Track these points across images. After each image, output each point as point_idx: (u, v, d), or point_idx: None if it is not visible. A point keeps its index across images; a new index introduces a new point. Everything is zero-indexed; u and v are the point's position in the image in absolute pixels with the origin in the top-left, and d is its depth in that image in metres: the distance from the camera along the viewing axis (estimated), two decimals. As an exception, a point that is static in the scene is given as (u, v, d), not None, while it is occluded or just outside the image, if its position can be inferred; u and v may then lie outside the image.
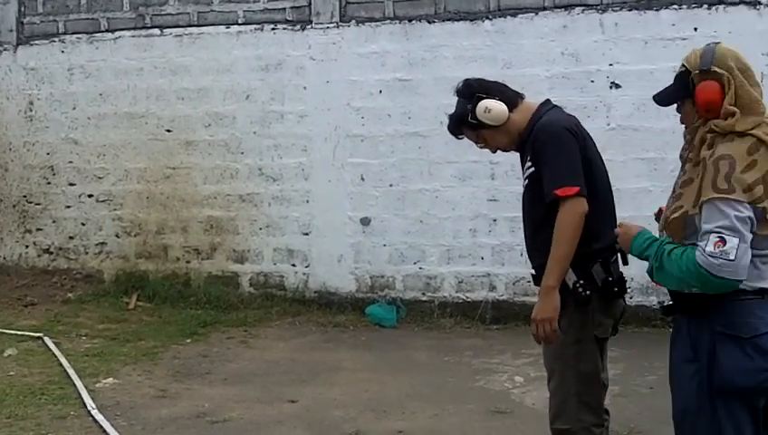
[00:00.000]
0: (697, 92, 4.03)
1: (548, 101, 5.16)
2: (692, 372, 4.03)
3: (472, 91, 5.08)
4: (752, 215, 3.81)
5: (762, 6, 10.58)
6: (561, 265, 4.70)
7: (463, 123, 5.13)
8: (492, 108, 4.97)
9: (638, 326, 10.48)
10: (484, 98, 5.00)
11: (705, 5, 10.76)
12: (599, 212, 4.85)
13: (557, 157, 4.75)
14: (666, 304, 4.27)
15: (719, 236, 3.77)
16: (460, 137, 5.27)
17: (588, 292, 4.76)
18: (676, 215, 4.04)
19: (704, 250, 3.79)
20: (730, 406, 3.95)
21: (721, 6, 10.72)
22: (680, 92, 4.19)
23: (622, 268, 5.02)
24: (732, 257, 3.75)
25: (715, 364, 3.94)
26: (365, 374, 9.12)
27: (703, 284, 3.85)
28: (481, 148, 5.26)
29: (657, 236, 4.16)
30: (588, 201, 4.73)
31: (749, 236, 3.81)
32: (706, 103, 4.00)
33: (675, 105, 4.31)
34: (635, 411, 7.80)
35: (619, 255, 4.96)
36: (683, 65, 4.18)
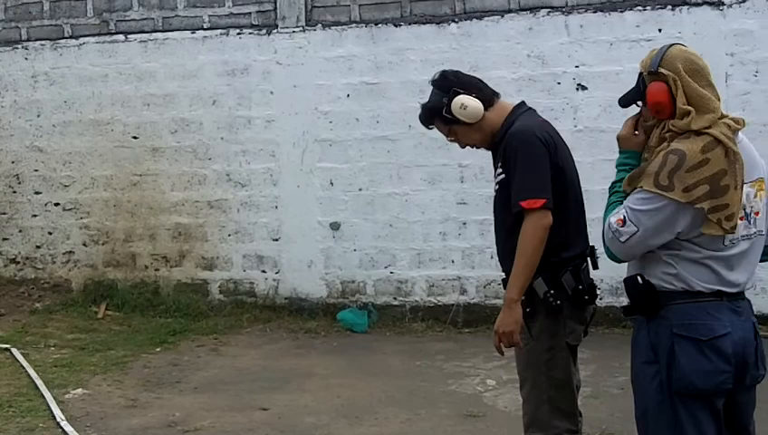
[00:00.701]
0: (647, 94, 4.13)
1: (522, 103, 5.14)
2: (652, 373, 4.09)
3: (449, 84, 5.04)
4: (673, 210, 3.93)
5: (725, 7, 10.63)
6: (524, 278, 4.69)
7: (436, 116, 5.10)
8: (468, 105, 4.93)
9: (608, 327, 10.52)
10: (460, 93, 4.96)
11: (669, 6, 10.80)
12: (570, 221, 4.87)
13: (526, 167, 4.73)
14: (625, 304, 4.35)
15: (624, 215, 3.99)
16: (431, 127, 5.23)
17: (558, 301, 4.77)
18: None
19: (612, 219, 4.04)
20: (690, 407, 4.00)
21: (685, 7, 10.76)
22: (636, 94, 4.28)
23: (592, 273, 5.03)
24: (622, 240, 4.00)
25: (674, 366, 3.99)
26: (337, 380, 9.09)
27: (604, 244, 4.15)
28: (450, 141, 5.23)
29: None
30: (559, 210, 4.74)
31: (655, 236, 3.98)
32: (654, 104, 4.10)
33: (635, 109, 4.38)
34: (606, 412, 7.82)
35: (589, 261, 4.97)
36: (640, 67, 4.27)
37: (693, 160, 3.89)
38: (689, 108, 3.99)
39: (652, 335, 4.10)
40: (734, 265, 4.04)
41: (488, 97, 5.05)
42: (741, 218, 4.00)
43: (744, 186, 4.01)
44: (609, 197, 4.21)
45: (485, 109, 4.98)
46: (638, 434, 4.30)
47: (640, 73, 4.23)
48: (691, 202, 3.89)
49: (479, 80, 5.16)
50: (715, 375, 3.95)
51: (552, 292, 4.76)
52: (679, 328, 3.99)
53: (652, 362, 4.09)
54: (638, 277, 4.14)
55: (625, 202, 4.02)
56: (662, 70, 4.08)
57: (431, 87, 5.13)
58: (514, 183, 4.74)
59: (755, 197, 4.10)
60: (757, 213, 4.11)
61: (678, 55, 4.11)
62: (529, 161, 4.73)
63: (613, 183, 4.25)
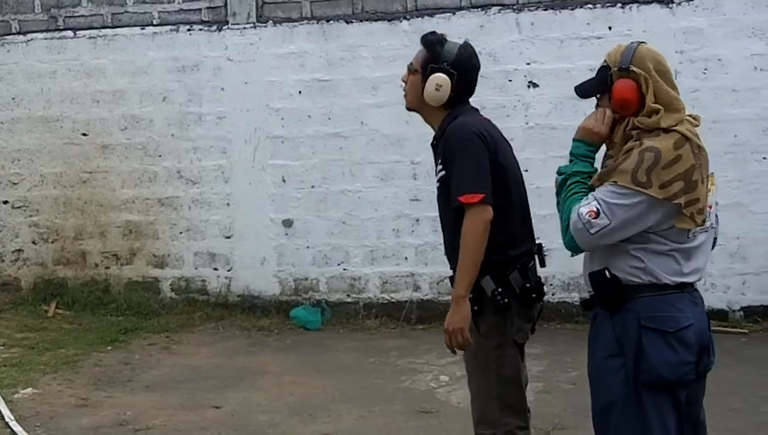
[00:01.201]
0: (614, 89, 4.18)
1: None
2: (617, 366, 4.12)
3: (462, 64, 4.97)
4: (648, 206, 3.97)
5: (674, 5, 10.70)
6: (470, 274, 4.68)
7: (428, 53, 5.01)
8: (441, 90, 4.90)
9: (560, 323, 10.57)
10: (451, 77, 4.90)
11: (620, 4, 10.87)
12: (515, 218, 4.88)
13: (464, 162, 4.72)
14: (583, 298, 4.44)
15: (597, 207, 3.99)
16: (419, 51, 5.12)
17: (506, 299, 4.77)
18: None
19: (579, 206, 4.04)
20: (655, 398, 4.05)
21: (635, 5, 10.83)
22: (599, 86, 4.34)
23: (542, 270, 5.05)
24: (592, 232, 4.01)
25: (642, 358, 4.03)
26: (290, 378, 9.08)
27: (565, 233, 4.15)
28: (407, 68, 5.13)
29: None
30: (503, 208, 4.75)
31: (625, 229, 4.02)
32: (621, 101, 4.15)
33: (592, 99, 4.41)
34: (559, 407, 7.86)
35: (536, 258, 4.98)
36: (605, 60, 4.32)
37: (668, 157, 3.96)
38: (658, 106, 4.07)
39: (617, 329, 4.13)
40: (693, 256, 4.13)
41: (459, 100, 5.00)
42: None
43: None
44: (568, 186, 4.20)
45: (445, 104, 4.96)
46: (596, 429, 4.33)
47: (605, 67, 4.29)
48: (668, 198, 3.95)
49: (474, 84, 5.09)
50: (681, 366, 4.03)
51: (499, 290, 4.76)
52: (647, 320, 4.04)
53: (617, 356, 4.12)
54: (606, 271, 4.17)
55: (596, 194, 4.04)
56: (633, 68, 4.14)
57: (461, 47, 5.03)
58: (453, 179, 4.75)
59: (708, 191, 4.17)
60: (710, 206, 4.18)
61: (648, 55, 4.19)
62: (467, 157, 4.73)
63: (568, 174, 4.25)
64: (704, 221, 4.08)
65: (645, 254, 4.06)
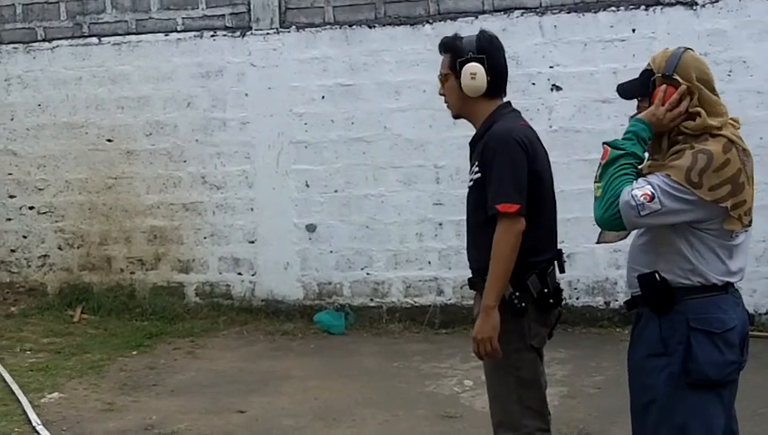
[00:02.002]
0: (655, 95, 4.24)
1: (508, 103, 5.11)
2: (661, 365, 4.20)
3: (486, 49, 4.99)
4: (695, 205, 4.04)
5: (698, 7, 10.66)
6: (500, 284, 4.69)
7: (452, 54, 5.05)
8: (476, 78, 4.91)
9: (584, 327, 10.54)
10: (483, 64, 4.92)
11: (643, 7, 10.83)
12: (542, 227, 4.89)
13: (504, 170, 4.72)
14: (630, 297, 4.46)
15: (652, 192, 4.03)
16: (442, 54, 5.15)
17: (523, 304, 4.78)
18: None
19: (632, 189, 4.06)
20: (701, 398, 4.14)
21: (658, 7, 10.79)
22: (640, 90, 4.38)
23: (564, 275, 5.05)
24: (643, 213, 4.04)
25: (690, 359, 4.12)
26: (314, 382, 9.09)
27: (606, 208, 4.14)
28: (438, 78, 5.16)
29: None
30: (533, 216, 4.76)
31: (670, 217, 4.07)
32: None
33: (620, 102, 4.46)
34: (583, 412, 7.84)
35: (555, 264, 4.99)
36: (649, 63, 4.36)
37: (719, 161, 4.04)
38: (699, 109, 4.15)
39: (665, 330, 4.20)
40: (736, 255, 4.22)
41: (496, 90, 5.03)
42: None
43: None
44: (621, 165, 4.19)
45: (485, 95, 4.97)
46: (634, 425, 4.40)
47: (648, 71, 4.33)
48: (716, 201, 4.04)
49: (506, 72, 5.11)
50: (726, 367, 4.14)
51: (517, 294, 4.76)
52: (695, 322, 4.13)
53: (661, 356, 4.20)
54: (656, 274, 4.22)
55: (652, 180, 4.07)
56: (676, 76, 4.21)
57: (478, 34, 5.08)
58: (491, 185, 4.74)
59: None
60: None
61: (692, 63, 4.26)
62: (507, 164, 4.73)
63: (626, 152, 4.23)
64: (750, 222, 4.19)
65: (692, 252, 4.14)
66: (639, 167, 4.24)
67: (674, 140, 4.20)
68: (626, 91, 4.48)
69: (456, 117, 5.20)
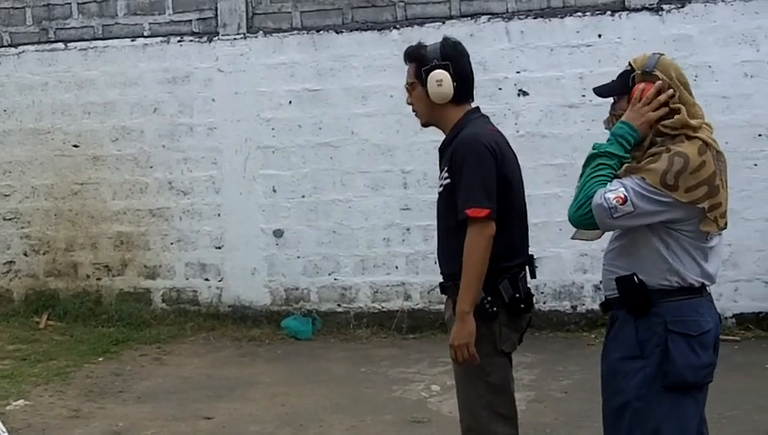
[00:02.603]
0: (634, 91, 4.28)
1: (477, 108, 5.12)
2: (637, 368, 4.21)
3: (450, 55, 5.00)
4: (671, 206, 4.08)
5: (664, 12, 10.73)
6: (474, 289, 4.70)
7: (416, 63, 5.05)
8: (443, 85, 4.91)
9: (551, 331, 10.58)
10: (449, 71, 4.93)
11: (609, 12, 10.89)
12: (513, 231, 4.90)
13: (473, 175, 4.74)
14: (605, 300, 4.50)
15: (625, 195, 4.05)
16: (407, 64, 5.15)
17: (495, 308, 4.78)
18: None
19: (605, 192, 4.08)
20: (677, 401, 4.17)
21: (624, 13, 10.85)
22: (619, 88, 4.43)
23: (531, 280, 5.06)
24: (615, 215, 4.07)
25: (668, 361, 4.14)
26: (281, 388, 9.07)
27: (577, 207, 4.18)
28: (405, 88, 5.17)
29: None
30: (503, 221, 4.77)
31: (643, 219, 4.11)
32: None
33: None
34: (550, 416, 7.87)
35: (527, 269, 5.00)
36: (629, 63, 4.41)
37: (694, 163, 4.08)
38: (680, 105, 4.20)
39: (641, 332, 4.22)
40: (710, 258, 4.27)
41: (464, 95, 5.03)
42: None
43: None
44: (597, 165, 4.23)
45: (452, 101, 4.97)
46: (606, 427, 4.41)
47: (626, 70, 4.40)
48: (693, 202, 4.08)
49: (472, 76, 5.11)
50: (703, 369, 4.18)
51: (488, 298, 4.77)
52: (673, 324, 4.15)
53: (636, 358, 4.21)
54: (635, 277, 4.25)
55: (625, 182, 4.10)
56: (657, 72, 4.26)
57: (441, 41, 5.09)
58: (461, 190, 4.76)
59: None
60: None
61: (671, 64, 4.33)
62: (476, 169, 4.74)
63: (600, 151, 4.27)
64: (726, 225, 4.24)
65: (669, 253, 4.17)
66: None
67: (653, 140, 4.23)
68: (603, 90, 4.52)
69: (425, 125, 5.21)
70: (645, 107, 4.23)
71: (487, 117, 5.15)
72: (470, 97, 5.11)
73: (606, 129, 4.45)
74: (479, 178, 4.74)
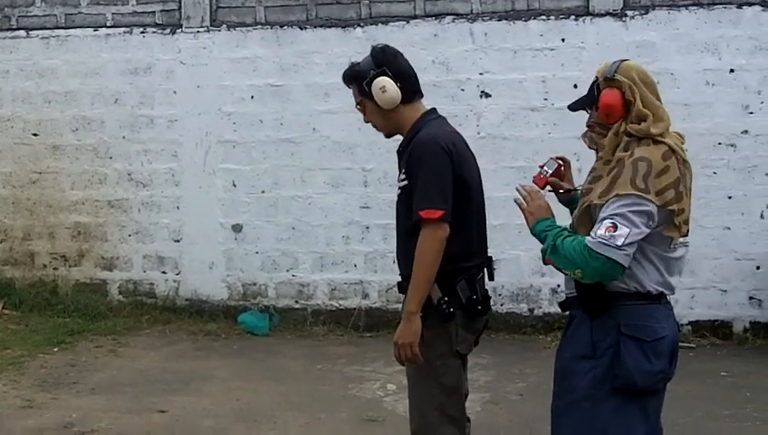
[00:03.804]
0: (600, 98, 4.29)
1: (434, 110, 5.13)
2: (587, 368, 4.23)
3: (383, 60, 5.02)
4: (653, 210, 4.04)
5: (628, 18, 10.78)
6: (422, 290, 4.71)
7: (356, 81, 5.09)
8: (387, 90, 4.92)
9: (508, 334, 10.61)
10: (387, 75, 4.94)
11: (573, 17, 10.93)
12: (471, 232, 4.92)
13: (428, 177, 4.75)
14: (565, 298, 4.50)
15: (612, 222, 4.02)
16: (349, 87, 5.19)
17: (451, 309, 4.79)
18: (583, 206, 4.28)
19: (594, 233, 4.04)
20: (623, 404, 4.17)
21: (588, 18, 10.89)
22: (588, 100, 4.43)
23: (489, 282, 5.08)
24: (619, 243, 3.99)
25: (618, 364, 4.14)
26: (236, 383, 9.06)
27: (585, 264, 4.06)
28: (357, 109, 5.21)
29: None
30: (460, 221, 4.79)
31: (642, 230, 4.03)
32: (606, 107, 4.27)
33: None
34: (505, 418, 7.90)
35: (485, 271, 5.01)
36: (596, 76, 4.41)
37: (658, 167, 4.07)
38: (647, 112, 4.19)
39: (596, 333, 4.23)
40: (672, 268, 4.27)
41: (411, 93, 5.04)
42: None
43: None
44: (562, 241, 4.19)
45: (402, 102, 4.98)
46: (554, 425, 4.42)
47: (595, 81, 4.39)
48: (664, 205, 4.07)
49: (413, 72, 5.12)
50: (654, 375, 4.17)
51: (445, 299, 4.78)
52: (626, 328, 4.16)
53: (589, 358, 4.22)
54: None
55: (604, 215, 4.07)
56: (618, 76, 4.26)
57: (370, 52, 5.11)
58: (416, 192, 4.77)
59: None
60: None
61: (633, 67, 4.33)
62: (431, 171, 4.75)
63: (550, 243, 4.25)
64: (688, 232, 4.22)
65: (632, 260, 4.12)
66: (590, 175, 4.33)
67: (620, 138, 4.21)
68: (575, 104, 4.55)
69: (388, 136, 5.21)
70: (535, 202, 4.39)
71: (444, 118, 5.17)
72: (419, 93, 5.13)
73: (585, 143, 4.49)
74: (434, 180, 4.75)
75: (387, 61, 5.02)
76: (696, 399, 8.29)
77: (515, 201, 4.52)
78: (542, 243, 4.31)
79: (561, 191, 4.77)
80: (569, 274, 4.21)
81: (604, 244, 3.99)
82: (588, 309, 4.27)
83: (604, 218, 4.05)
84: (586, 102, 4.46)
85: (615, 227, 4.01)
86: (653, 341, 4.15)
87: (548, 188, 4.75)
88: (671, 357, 4.26)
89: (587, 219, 4.25)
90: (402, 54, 5.15)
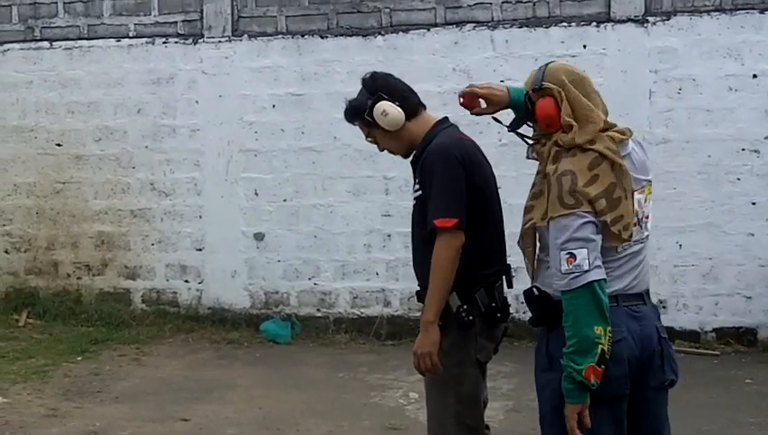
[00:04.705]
0: (536, 110, 4.20)
1: (445, 118, 5.15)
2: (547, 381, 4.18)
3: (376, 86, 5.03)
4: (592, 218, 3.96)
5: (649, 24, 10.75)
6: (439, 300, 4.71)
7: (357, 115, 5.10)
8: (389, 112, 4.93)
9: (531, 341, 10.53)
10: (384, 99, 4.95)
11: (594, 23, 10.91)
12: (487, 240, 4.91)
13: (441, 186, 4.77)
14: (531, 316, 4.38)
15: (568, 253, 3.94)
16: (355, 124, 5.21)
17: (471, 317, 4.78)
18: (527, 226, 4.23)
19: (560, 271, 3.97)
20: (591, 412, 4.01)
21: (609, 24, 10.87)
22: (526, 115, 4.39)
23: (512, 289, 5.07)
24: (585, 268, 3.92)
25: None
26: (259, 391, 9.07)
27: (580, 309, 3.94)
28: (369, 142, 5.22)
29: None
30: (476, 229, 4.80)
31: (596, 241, 3.97)
32: (544, 118, 4.19)
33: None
34: (528, 426, 7.84)
35: (504, 278, 5.00)
36: (524, 88, 4.35)
37: (584, 178, 3.99)
38: (572, 121, 4.10)
39: (551, 345, 4.16)
40: (629, 268, 4.15)
41: (413, 107, 5.05)
42: (634, 224, 4.11)
43: (635, 193, 4.12)
44: (566, 354, 4.01)
45: (407, 119, 4.98)
46: None
47: (526, 94, 4.31)
48: (597, 214, 3.98)
49: (408, 88, 5.14)
50: (610, 382, 4.00)
51: (464, 307, 4.78)
52: None
53: (547, 371, 4.18)
54: (534, 289, 4.23)
55: (556, 244, 4.00)
56: (546, 84, 4.17)
57: (361, 81, 5.13)
58: (430, 201, 4.78)
59: (645, 202, 4.22)
60: (647, 217, 4.24)
61: (560, 68, 4.25)
62: (444, 180, 4.77)
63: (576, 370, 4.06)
64: (630, 237, 4.07)
65: None
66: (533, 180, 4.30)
67: (550, 150, 4.16)
68: (513, 123, 4.50)
69: (406, 156, 5.20)
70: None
71: (456, 126, 5.17)
72: (420, 105, 5.14)
73: (527, 157, 4.48)
74: (448, 189, 4.77)
75: (379, 86, 5.04)
76: (721, 406, 8.24)
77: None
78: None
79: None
80: (590, 331, 3.96)
81: (576, 276, 3.93)
82: (539, 322, 4.24)
83: (559, 250, 3.98)
84: (524, 118, 4.40)
85: (573, 257, 3.94)
86: None
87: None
88: (642, 360, 4.11)
89: (531, 239, 4.25)
90: (392, 75, 5.19)
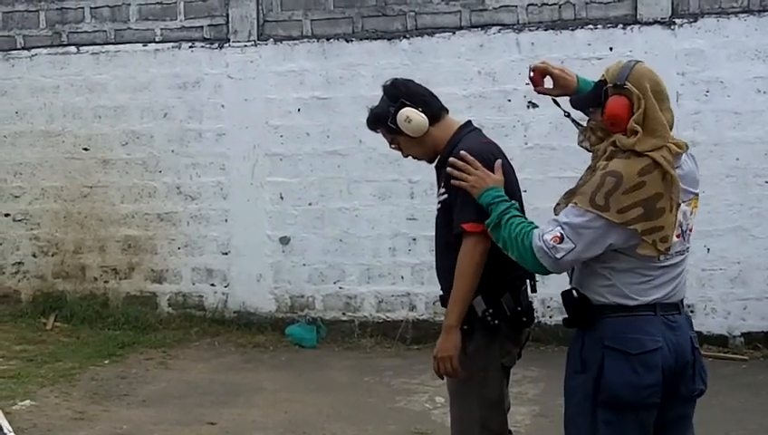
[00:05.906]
0: (607, 105, 4.14)
1: (469, 122, 5.11)
2: (579, 383, 4.18)
3: (397, 93, 5.00)
4: (607, 229, 3.98)
5: (676, 26, 10.70)
6: (462, 304, 4.69)
7: (380, 123, 5.07)
8: (412, 119, 4.89)
9: (557, 345, 10.50)
10: (407, 105, 4.92)
11: (621, 25, 10.87)
12: None
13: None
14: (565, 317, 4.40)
15: (561, 233, 4.01)
16: (377, 132, 5.20)
17: (496, 321, 4.76)
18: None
19: (542, 234, 4.05)
20: (612, 418, 4.07)
21: (636, 26, 10.83)
22: (592, 100, 4.31)
23: (537, 293, 5.06)
24: (558, 256, 4.01)
25: (602, 378, 4.06)
26: (285, 395, 9.08)
27: (521, 256, 4.17)
28: (393, 149, 5.21)
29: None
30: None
31: (591, 248, 4.02)
32: (612, 117, 4.12)
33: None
34: (554, 431, 7.78)
35: (528, 283, 4.98)
36: (603, 75, 4.28)
37: (629, 183, 3.95)
38: (638, 128, 4.03)
39: (585, 347, 4.17)
40: (668, 278, 4.13)
41: (435, 112, 5.02)
42: (677, 236, 4.10)
43: (682, 204, 4.10)
44: (507, 222, 4.27)
45: (431, 124, 4.95)
46: None
47: (602, 81, 4.25)
48: (624, 223, 3.96)
49: (429, 93, 5.11)
50: (642, 389, 4.03)
51: (490, 311, 4.75)
52: (610, 341, 4.06)
53: (580, 373, 4.17)
54: (574, 291, 4.22)
55: (559, 219, 4.06)
56: (629, 85, 4.10)
57: (382, 89, 5.12)
58: (456, 205, 4.75)
59: (691, 214, 4.21)
60: (691, 229, 4.23)
61: (646, 74, 4.15)
62: None
63: (496, 217, 4.35)
64: (667, 250, 4.04)
65: (612, 272, 4.09)
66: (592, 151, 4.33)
67: (606, 148, 4.15)
68: (578, 102, 4.46)
69: (431, 161, 5.19)
70: (473, 174, 4.53)
71: (480, 130, 5.14)
72: (443, 109, 5.11)
73: (579, 144, 4.47)
74: None
75: (400, 92, 5.02)
76: (750, 411, 8.19)
77: (451, 180, 4.59)
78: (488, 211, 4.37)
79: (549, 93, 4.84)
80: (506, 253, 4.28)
81: (545, 251, 4.03)
82: (575, 324, 4.25)
83: (557, 223, 4.05)
84: (591, 103, 4.34)
85: (561, 239, 4.00)
86: (640, 353, 4.02)
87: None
88: (675, 370, 4.11)
89: None
90: (412, 81, 5.17)
